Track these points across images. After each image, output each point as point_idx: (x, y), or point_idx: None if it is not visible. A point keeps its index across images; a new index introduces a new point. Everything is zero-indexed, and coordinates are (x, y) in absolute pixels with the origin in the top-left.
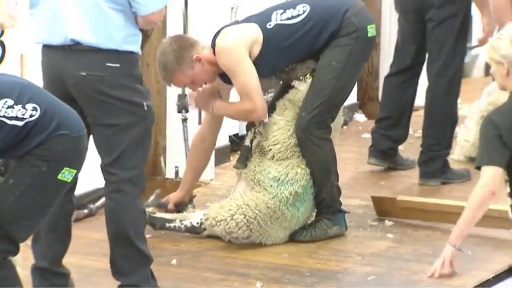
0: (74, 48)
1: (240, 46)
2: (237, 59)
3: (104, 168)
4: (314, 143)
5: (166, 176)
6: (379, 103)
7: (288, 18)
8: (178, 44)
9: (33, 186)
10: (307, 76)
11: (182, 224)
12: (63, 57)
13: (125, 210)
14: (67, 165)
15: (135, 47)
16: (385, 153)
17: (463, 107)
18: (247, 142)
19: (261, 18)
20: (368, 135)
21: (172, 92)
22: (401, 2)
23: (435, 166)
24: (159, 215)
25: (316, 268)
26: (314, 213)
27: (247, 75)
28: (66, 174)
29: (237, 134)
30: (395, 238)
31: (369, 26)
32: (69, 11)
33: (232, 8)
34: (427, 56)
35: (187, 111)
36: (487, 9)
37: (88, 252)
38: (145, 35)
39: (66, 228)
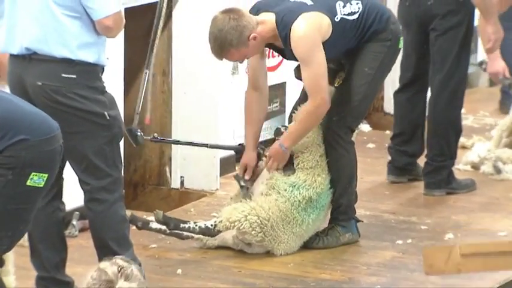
0: (33, 58)
1: (317, 36)
2: (313, 48)
3: (78, 178)
4: (343, 147)
5: (172, 186)
6: (384, 113)
7: (348, 14)
8: (238, 23)
9: (3, 195)
10: (334, 85)
11: (196, 225)
12: (22, 67)
13: (102, 219)
14: (34, 170)
15: (93, 56)
16: (403, 169)
17: (468, 117)
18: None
19: (328, 9)
20: (373, 145)
21: (179, 103)
22: (404, 14)
23: (440, 176)
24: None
25: (321, 278)
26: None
27: (321, 66)
28: (35, 180)
29: (242, 144)
30: (400, 248)
31: (401, 38)
32: (24, 20)
33: None
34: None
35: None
36: (493, 17)
37: (94, 262)
38: (151, 47)
39: (59, 236)
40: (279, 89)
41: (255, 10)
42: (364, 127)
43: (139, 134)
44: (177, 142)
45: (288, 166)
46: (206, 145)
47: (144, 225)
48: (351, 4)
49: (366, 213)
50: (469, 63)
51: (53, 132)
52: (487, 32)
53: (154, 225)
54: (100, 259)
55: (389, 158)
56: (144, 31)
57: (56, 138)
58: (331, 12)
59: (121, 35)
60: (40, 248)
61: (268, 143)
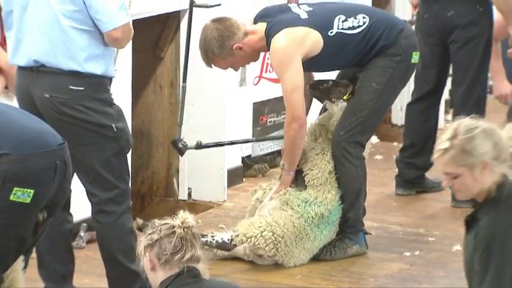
0: (41, 70)
1: (295, 51)
2: (288, 63)
3: (86, 190)
4: (351, 162)
5: (179, 198)
6: (392, 125)
7: (349, 28)
8: (220, 33)
9: None
10: (341, 99)
11: (214, 239)
12: (30, 79)
13: (109, 230)
14: (17, 185)
15: (101, 68)
16: (412, 182)
17: None
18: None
19: (323, 24)
20: (380, 157)
21: (187, 114)
22: (423, 25)
23: None
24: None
25: None
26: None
27: (293, 82)
28: (19, 195)
29: (250, 155)
30: (408, 260)
31: (414, 53)
32: (32, 32)
33: None
34: (449, 79)
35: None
36: None
37: (101, 274)
38: (158, 56)
39: (66, 247)
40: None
41: (257, 18)
42: (372, 139)
43: (181, 145)
44: (221, 144)
45: (299, 181)
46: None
47: None
48: (356, 18)
49: (374, 224)
50: (488, 71)
51: (46, 148)
52: (511, 33)
53: None
54: (107, 271)
55: (397, 171)
56: (151, 43)
57: (50, 154)
58: (325, 27)
59: (128, 47)
60: (47, 260)
61: (275, 154)
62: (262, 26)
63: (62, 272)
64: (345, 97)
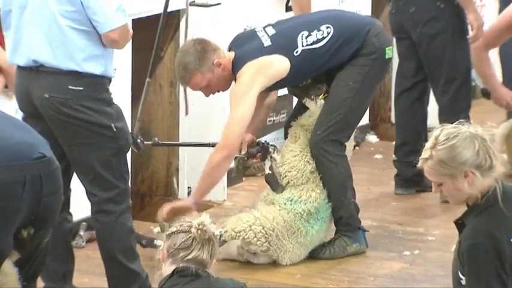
0: (40, 70)
1: (253, 85)
2: (243, 97)
3: (86, 190)
4: (330, 160)
5: (179, 197)
6: (391, 124)
7: (313, 42)
8: (202, 46)
9: None
10: (319, 97)
11: None
12: (29, 79)
13: (109, 230)
14: None
15: (100, 69)
16: (411, 180)
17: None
18: (267, 170)
19: (286, 46)
20: (380, 156)
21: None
22: (392, 21)
23: None
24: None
25: None
26: (333, 231)
27: (241, 116)
28: None
29: None
30: (407, 259)
31: (387, 48)
32: (31, 32)
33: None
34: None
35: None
36: (472, 5)
37: (101, 273)
38: (158, 56)
39: (66, 247)
40: (286, 100)
41: (230, 46)
42: (372, 138)
43: (139, 140)
44: (178, 144)
45: (274, 184)
46: (209, 144)
47: (149, 243)
48: (319, 30)
49: (373, 224)
50: (470, 65)
51: (16, 161)
52: (469, 20)
53: (159, 242)
54: (107, 270)
55: (395, 171)
56: (151, 42)
57: (19, 167)
58: (289, 49)
59: (128, 46)
60: (47, 259)
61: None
62: (231, 55)
63: (62, 271)
64: (321, 96)
